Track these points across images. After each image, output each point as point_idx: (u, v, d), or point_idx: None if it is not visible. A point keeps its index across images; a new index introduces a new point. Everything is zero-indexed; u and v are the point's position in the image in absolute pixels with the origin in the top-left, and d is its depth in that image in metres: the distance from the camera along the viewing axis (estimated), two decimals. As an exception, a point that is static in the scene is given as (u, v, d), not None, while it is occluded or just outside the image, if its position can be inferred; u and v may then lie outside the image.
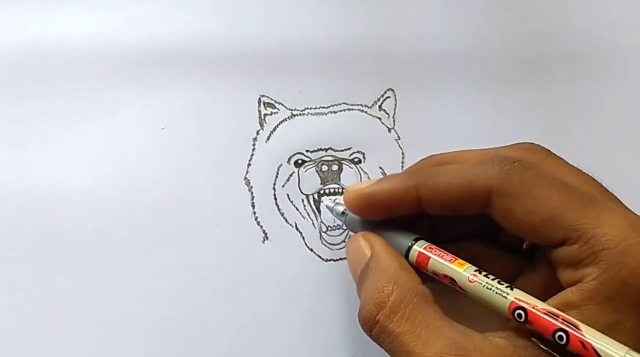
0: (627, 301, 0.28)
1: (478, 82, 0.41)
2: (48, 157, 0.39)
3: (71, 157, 0.39)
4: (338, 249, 0.39)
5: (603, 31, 0.43)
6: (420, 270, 0.32)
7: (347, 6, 0.42)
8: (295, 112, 0.40)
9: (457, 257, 0.32)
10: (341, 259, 0.39)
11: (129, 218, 0.38)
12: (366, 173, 0.40)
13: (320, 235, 0.39)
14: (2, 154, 0.39)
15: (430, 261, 0.32)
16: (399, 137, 0.41)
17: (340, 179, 0.40)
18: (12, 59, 0.40)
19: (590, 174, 0.33)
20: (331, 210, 0.37)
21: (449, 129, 0.41)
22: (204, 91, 0.40)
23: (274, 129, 0.40)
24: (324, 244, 0.39)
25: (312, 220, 0.39)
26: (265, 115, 0.40)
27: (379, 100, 0.41)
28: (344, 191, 0.39)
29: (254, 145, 0.40)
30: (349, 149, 0.40)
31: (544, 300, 0.29)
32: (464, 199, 0.31)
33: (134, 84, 0.40)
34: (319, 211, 0.39)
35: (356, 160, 0.40)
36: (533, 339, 0.29)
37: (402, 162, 0.40)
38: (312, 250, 0.39)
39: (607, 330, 0.27)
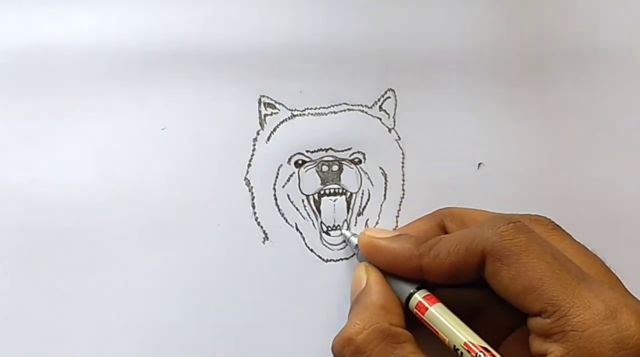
0: None
1: (478, 82, 0.41)
2: (48, 157, 0.39)
3: (71, 157, 0.39)
4: (338, 249, 0.39)
5: (603, 31, 0.43)
6: (420, 319, 0.33)
7: (347, 6, 0.42)
8: (295, 112, 0.40)
9: (440, 325, 0.32)
10: (341, 259, 0.39)
11: (129, 218, 0.38)
12: (366, 173, 0.40)
13: (320, 235, 0.39)
14: (2, 154, 0.39)
15: (429, 311, 0.33)
16: (399, 137, 0.41)
17: (340, 179, 0.40)
18: (12, 59, 0.40)
19: (595, 252, 0.33)
20: (347, 240, 0.39)
21: (449, 129, 0.41)
22: (204, 91, 0.40)
23: (274, 129, 0.40)
24: (324, 244, 0.39)
25: (312, 220, 0.39)
26: (265, 115, 0.40)
27: (379, 100, 0.41)
28: (345, 191, 0.39)
29: (254, 145, 0.40)
30: (349, 149, 0.40)
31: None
32: (461, 265, 0.32)
33: (134, 84, 0.40)
34: (319, 211, 0.39)
35: (356, 160, 0.40)
36: None
37: (402, 162, 0.40)
38: (312, 250, 0.39)
39: None
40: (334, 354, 0.33)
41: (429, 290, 0.34)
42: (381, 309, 0.33)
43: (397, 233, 0.37)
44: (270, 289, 0.38)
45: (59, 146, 0.39)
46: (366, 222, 0.39)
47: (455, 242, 0.32)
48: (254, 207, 0.39)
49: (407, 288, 0.34)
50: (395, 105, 0.41)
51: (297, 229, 0.39)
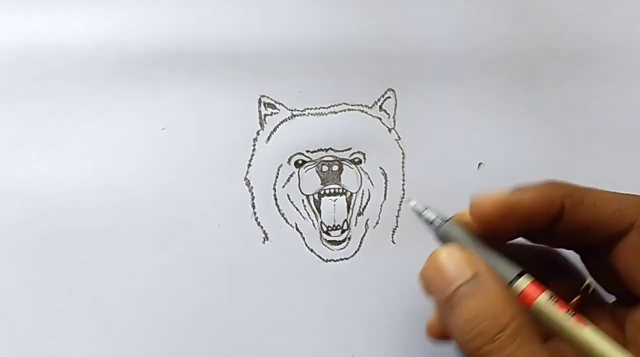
0: None
1: (478, 82, 0.41)
2: (48, 157, 0.39)
3: (71, 157, 0.39)
4: (338, 249, 0.39)
5: (603, 31, 0.43)
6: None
7: (347, 6, 0.42)
8: (295, 112, 0.40)
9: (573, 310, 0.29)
10: (341, 259, 0.39)
11: (129, 218, 0.38)
12: (366, 173, 0.40)
13: (320, 235, 0.39)
14: (3, 154, 0.39)
15: (538, 301, 0.29)
16: (399, 137, 0.41)
17: (340, 179, 0.40)
18: (12, 59, 0.40)
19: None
20: (419, 214, 0.32)
21: (449, 129, 0.41)
22: (204, 91, 0.40)
23: (274, 129, 0.40)
24: (324, 244, 0.39)
25: (312, 220, 0.39)
26: (265, 115, 0.40)
27: (379, 100, 0.41)
28: (345, 191, 0.39)
29: (254, 145, 0.40)
30: (349, 149, 0.40)
31: None
32: (607, 223, 0.30)
33: (134, 84, 0.40)
34: (319, 211, 0.39)
35: (356, 160, 0.40)
36: None
37: (402, 162, 0.40)
38: (312, 250, 0.39)
39: None
40: (469, 347, 0.27)
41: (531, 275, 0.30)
42: (512, 300, 0.28)
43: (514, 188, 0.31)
44: (270, 289, 0.38)
45: (59, 146, 0.39)
46: (366, 222, 0.39)
47: (604, 197, 0.30)
48: (254, 207, 0.39)
49: (509, 273, 0.29)
50: (395, 105, 0.41)
51: (297, 229, 0.39)
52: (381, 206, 0.40)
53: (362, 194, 0.40)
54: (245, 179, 0.39)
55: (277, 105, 0.40)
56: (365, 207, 0.39)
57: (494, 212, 0.30)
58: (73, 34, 0.41)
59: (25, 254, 0.38)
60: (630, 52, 0.43)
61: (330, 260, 0.39)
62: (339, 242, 0.39)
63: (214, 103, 0.40)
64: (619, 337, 0.30)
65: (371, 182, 0.40)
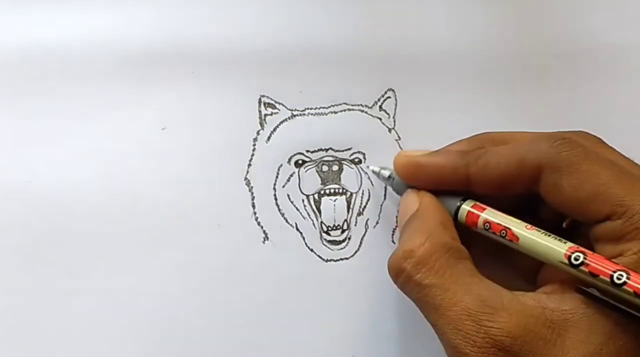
0: None
1: (478, 82, 0.41)
2: (48, 157, 0.39)
3: (71, 157, 0.39)
4: (338, 249, 0.39)
5: (604, 31, 0.43)
6: (470, 228, 0.33)
7: (347, 6, 0.42)
8: (295, 112, 0.40)
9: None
10: (341, 259, 0.39)
11: (129, 218, 0.38)
12: (366, 173, 0.40)
13: (320, 235, 0.39)
14: (3, 154, 0.39)
15: (485, 211, 0.33)
16: (399, 137, 0.41)
17: (340, 179, 0.40)
18: (12, 59, 0.40)
19: None
20: (377, 174, 0.38)
21: (449, 129, 0.41)
22: (204, 91, 0.40)
23: (274, 129, 0.40)
24: (324, 244, 0.39)
25: (312, 220, 0.39)
26: (266, 115, 0.40)
27: (379, 100, 0.41)
28: (345, 191, 0.39)
29: (254, 145, 0.40)
30: (349, 149, 0.40)
31: None
32: (513, 176, 0.32)
33: (134, 84, 0.40)
34: (319, 211, 0.39)
35: (356, 160, 0.40)
36: (578, 286, 0.29)
37: (402, 162, 0.40)
38: (312, 250, 0.39)
39: None
40: (390, 272, 0.32)
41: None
42: (441, 225, 0.32)
43: (434, 151, 0.36)
44: (270, 289, 0.38)
45: (59, 146, 0.39)
46: (366, 222, 0.39)
47: (507, 154, 0.32)
48: (254, 207, 0.39)
49: (454, 202, 0.34)
50: (395, 105, 0.41)
51: (297, 229, 0.39)
52: (381, 206, 0.40)
53: (362, 194, 0.40)
54: (245, 179, 0.39)
55: (277, 105, 0.40)
56: (365, 207, 0.39)
57: (408, 169, 0.35)
58: (73, 34, 0.41)
59: (24, 254, 0.38)
60: (630, 52, 0.43)
61: (330, 260, 0.39)
62: (339, 242, 0.39)
63: (214, 103, 0.40)
64: None
65: (371, 182, 0.40)
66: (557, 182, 0.31)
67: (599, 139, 0.34)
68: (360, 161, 0.40)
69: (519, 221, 0.32)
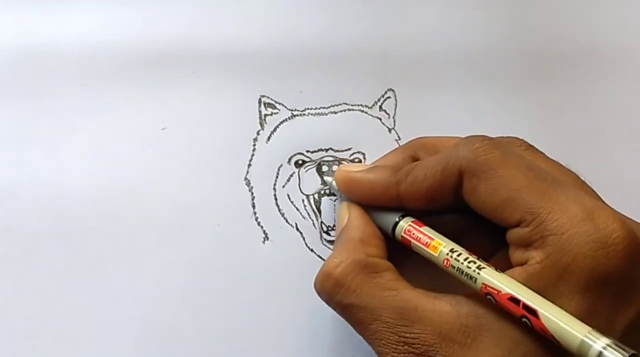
0: (567, 287, 0.28)
1: (478, 82, 0.41)
2: (48, 157, 0.39)
3: (71, 157, 0.39)
4: (338, 249, 0.39)
5: (603, 31, 0.43)
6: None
7: (347, 6, 0.42)
8: (295, 112, 0.40)
9: (433, 237, 0.32)
10: (341, 259, 0.39)
11: (129, 218, 0.38)
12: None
13: (320, 235, 0.39)
14: (3, 154, 0.39)
15: (411, 243, 0.32)
16: (399, 137, 0.41)
17: (340, 179, 0.40)
18: (12, 59, 0.40)
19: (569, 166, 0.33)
20: (329, 184, 0.39)
21: (449, 129, 0.41)
22: (204, 91, 0.40)
23: (274, 129, 0.40)
24: (324, 244, 0.39)
25: (312, 220, 0.39)
26: (266, 115, 0.40)
27: (379, 100, 0.41)
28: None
29: (254, 145, 0.40)
30: (349, 149, 0.40)
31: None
32: (440, 186, 0.32)
33: (134, 84, 0.40)
34: (319, 211, 0.39)
35: (356, 160, 0.40)
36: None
37: (402, 162, 0.40)
38: (312, 250, 0.39)
39: None
40: (317, 292, 0.33)
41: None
42: (359, 242, 0.33)
43: (372, 165, 0.36)
44: (270, 289, 0.38)
45: (59, 146, 0.39)
46: (366, 222, 0.39)
47: (432, 165, 0.32)
48: (254, 207, 0.39)
49: (392, 218, 0.33)
50: (395, 105, 0.41)
51: (297, 229, 0.39)
52: (381, 205, 0.40)
53: (362, 194, 0.40)
54: (245, 179, 0.39)
55: (277, 105, 0.40)
56: (365, 207, 0.39)
57: (344, 185, 0.35)
58: (72, 33, 0.41)
59: (24, 254, 0.38)
60: (630, 52, 0.43)
61: (330, 260, 0.39)
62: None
63: (214, 103, 0.40)
64: None
65: (371, 182, 0.40)
66: (475, 187, 0.31)
67: (529, 144, 0.34)
68: (360, 161, 0.40)
69: (437, 255, 0.31)
